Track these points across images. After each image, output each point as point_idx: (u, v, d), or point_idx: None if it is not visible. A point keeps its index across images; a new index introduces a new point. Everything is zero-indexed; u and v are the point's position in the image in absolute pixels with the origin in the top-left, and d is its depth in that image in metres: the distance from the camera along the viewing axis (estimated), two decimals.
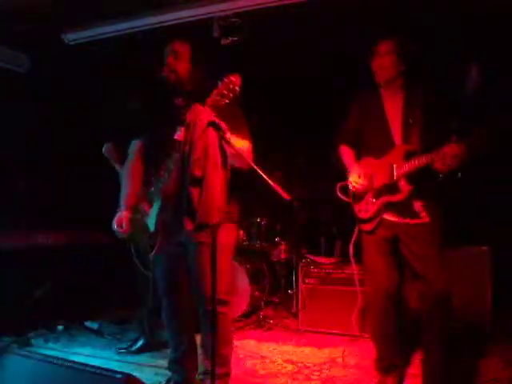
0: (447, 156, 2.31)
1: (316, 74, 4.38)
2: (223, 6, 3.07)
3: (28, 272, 3.83)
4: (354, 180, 2.70)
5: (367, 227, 2.69)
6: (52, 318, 3.95)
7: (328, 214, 4.89)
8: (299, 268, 4.04)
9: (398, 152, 2.55)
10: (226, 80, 2.06)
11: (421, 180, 2.50)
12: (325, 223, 4.87)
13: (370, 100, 2.73)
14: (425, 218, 2.51)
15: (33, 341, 3.62)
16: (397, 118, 2.59)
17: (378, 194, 2.64)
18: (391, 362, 2.70)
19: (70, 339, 3.76)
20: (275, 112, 4.90)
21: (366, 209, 2.70)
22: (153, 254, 2.41)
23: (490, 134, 2.23)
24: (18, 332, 3.61)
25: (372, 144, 2.70)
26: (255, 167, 2.06)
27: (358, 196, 2.74)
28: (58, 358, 1.86)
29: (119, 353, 3.42)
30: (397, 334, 2.68)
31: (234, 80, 2.05)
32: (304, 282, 3.97)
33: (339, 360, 3.24)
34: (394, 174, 2.54)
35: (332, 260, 4.22)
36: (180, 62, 2.43)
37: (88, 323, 4.03)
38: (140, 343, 3.46)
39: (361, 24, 3.49)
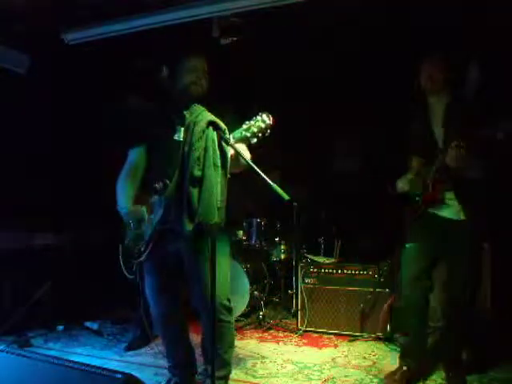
0: (448, 159, 2.56)
1: (316, 74, 4.38)
2: (223, 6, 3.07)
3: (28, 272, 3.83)
4: (400, 185, 2.98)
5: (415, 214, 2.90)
6: (52, 318, 3.95)
7: (328, 214, 4.90)
8: (299, 268, 4.04)
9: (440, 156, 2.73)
10: (261, 122, 2.18)
11: (458, 183, 2.68)
12: (325, 223, 4.87)
13: (418, 108, 2.93)
14: (463, 216, 2.71)
15: (33, 341, 3.62)
16: (439, 123, 2.79)
17: (423, 192, 2.85)
18: (409, 352, 2.86)
19: (70, 339, 3.76)
20: (274, 111, 4.90)
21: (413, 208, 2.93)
22: (143, 259, 2.37)
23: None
24: (18, 332, 3.61)
25: (419, 147, 2.92)
26: (255, 167, 2.06)
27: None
28: (57, 358, 1.86)
29: (126, 350, 3.46)
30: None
31: (269, 124, 2.19)
32: (304, 282, 3.97)
33: (339, 360, 3.25)
34: (432, 175, 2.75)
35: (332, 260, 4.22)
36: (180, 63, 2.43)
37: (88, 323, 4.03)
38: (138, 334, 3.53)
39: (361, 24, 3.50)
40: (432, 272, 2.86)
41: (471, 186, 2.67)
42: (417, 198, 2.86)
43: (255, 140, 2.20)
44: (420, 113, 2.90)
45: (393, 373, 2.85)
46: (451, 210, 2.74)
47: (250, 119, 2.23)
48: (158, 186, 2.26)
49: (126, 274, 2.45)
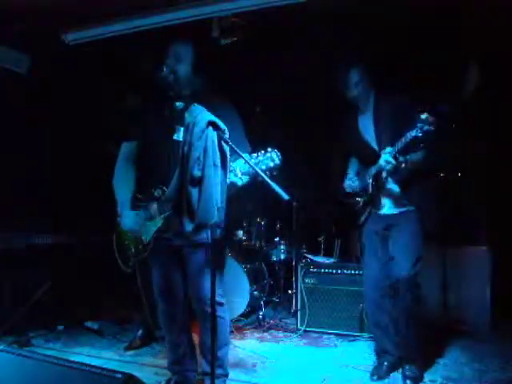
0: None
1: (316, 74, 4.37)
2: (223, 6, 3.06)
3: (28, 272, 3.83)
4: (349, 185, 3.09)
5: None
6: (52, 318, 3.95)
7: (328, 214, 4.89)
8: (299, 268, 4.04)
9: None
10: (270, 160, 2.13)
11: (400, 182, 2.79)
12: (324, 223, 4.87)
13: (350, 120, 3.01)
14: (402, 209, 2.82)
15: (33, 341, 3.62)
16: (370, 129, 2.87)
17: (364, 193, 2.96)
18: (384, 347, 2.93)
19: (70, 339, 3.76)
20: (274, 111, 4.90)
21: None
22: (146, 254, 2.40)
23: None
24: (18, 332, 3.61)
25: (359, 154, 3.03)
26: (255, 167, 2.06)
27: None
28: (57, 358, 1.86)
29: (126, 350, 3.47)
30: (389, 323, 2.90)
31: (278, 165, 2.14)
32: (303, 282, 3.98)
33: (339, 360, 3.25)
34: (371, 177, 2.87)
35: (331, 260, 4.23)
36: (181, 63, 2.43)
37: (88, 323, 4.03)
38: (139, 333, 3.54)
39: (360, 24, 3.50)
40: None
41: (411, 183, 2.74)
42: (359, 199, 2.94)
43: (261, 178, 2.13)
44: (351, 115, 2.96)
45: (375, 368, 2.93)
46: (389, 207, 2.83)
47: (258, 153, 2.17)
48: (156, 192, 2.28)
49: (122, 266, 2.47)
